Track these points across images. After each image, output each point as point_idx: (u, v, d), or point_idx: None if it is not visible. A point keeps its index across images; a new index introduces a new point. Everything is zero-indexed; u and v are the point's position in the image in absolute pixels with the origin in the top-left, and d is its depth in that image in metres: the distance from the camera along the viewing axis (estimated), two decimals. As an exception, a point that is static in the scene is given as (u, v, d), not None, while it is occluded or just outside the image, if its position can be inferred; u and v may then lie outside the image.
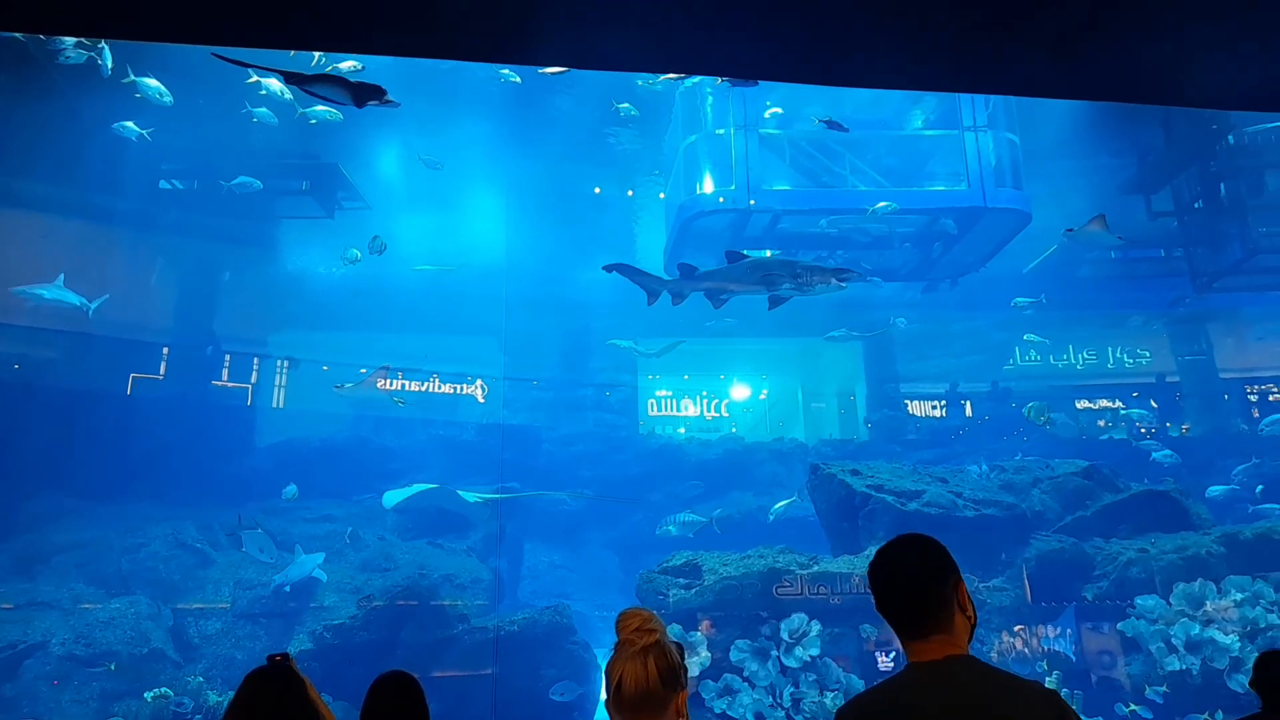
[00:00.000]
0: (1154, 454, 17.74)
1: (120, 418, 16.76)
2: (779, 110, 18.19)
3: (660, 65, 4.83)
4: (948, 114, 18.09)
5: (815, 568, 11.85)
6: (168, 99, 14.01)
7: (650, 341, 21.19)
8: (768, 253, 17.64)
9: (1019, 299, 18.25)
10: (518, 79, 15.91)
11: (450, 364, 22.19)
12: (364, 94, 5.61)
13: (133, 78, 13.59)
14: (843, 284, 10.73)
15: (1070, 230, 14.01)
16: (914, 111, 18.83)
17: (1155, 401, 23.63)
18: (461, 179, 18.66)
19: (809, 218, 17.83)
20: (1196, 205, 18.20)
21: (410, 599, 12.45)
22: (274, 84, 14.71)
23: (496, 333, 21.55)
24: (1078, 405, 23.84)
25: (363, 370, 21.52)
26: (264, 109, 15.05)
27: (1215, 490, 17.38)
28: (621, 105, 16.75)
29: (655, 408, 25.91)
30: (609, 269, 11.42)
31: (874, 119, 18.52)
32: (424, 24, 4.09)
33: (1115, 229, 14.05)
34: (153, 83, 13.89)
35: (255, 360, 20.71)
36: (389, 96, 5.69)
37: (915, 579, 2.47)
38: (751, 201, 17.16)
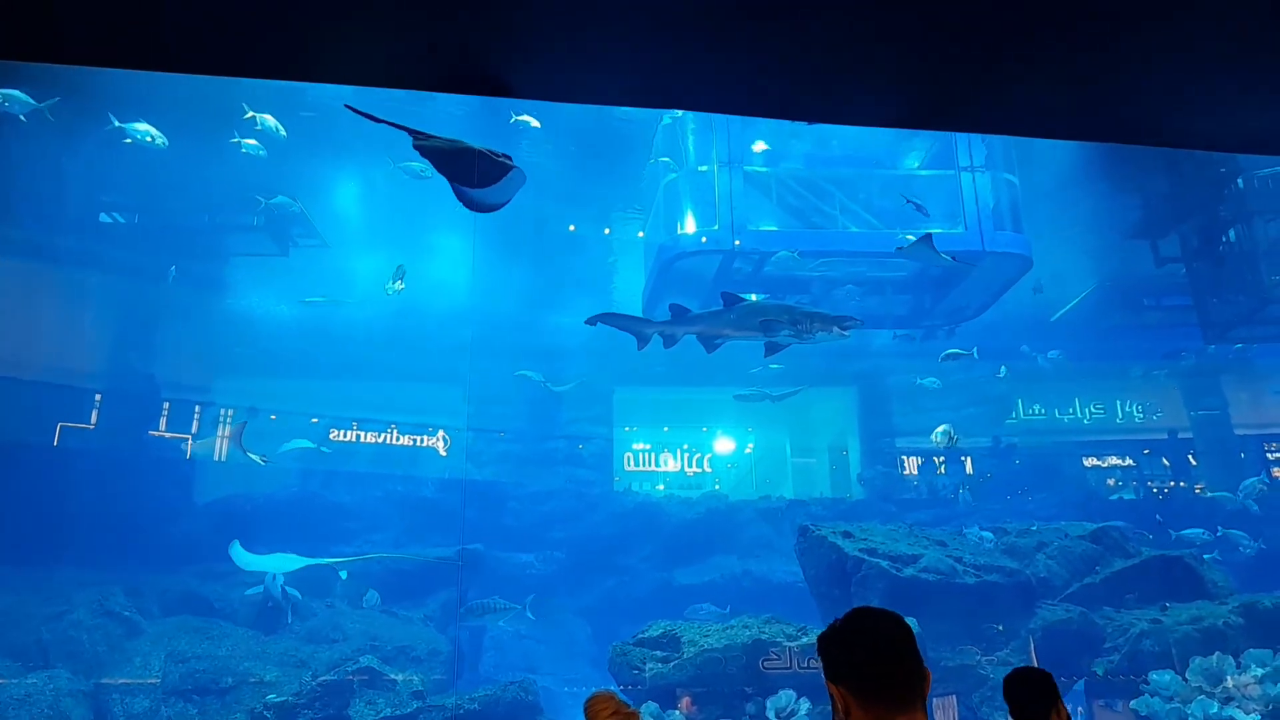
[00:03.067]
0: (1185, 532, 17.83)
1: (44, 471, 16.50)
2: (765, 146, 18.52)
3: (638, 98, 4.90)
4: (944, 153, 18.51)
5: (804, 639, 11.71)
6: (160, 142, 14.21)
7: (562, 378, 21.38)
8: (752, 296, 17.88)
9: (951, 350, 18.70)
10: (536, 123, 16.18)
11: (410, 414, 22.20)
12: (491, 169, 5.68)
13: (117, 123, 13.82)
14: (845, 333, 10.82)
15: (900, 249, 14.58)
16: (908, 151, 19.24)
17: (1168, 459, 23.78)
18: (424, 215, 18.79)
19: (797, 260, 17.89)
20: (1203, 251, 18.48)
21: (361, 673, 12.22)
22: (269, 119, 14.95)
23: (460, 380, 21.54)
24: (1085, 462, 24.03)
25: (315, 420, 21.44)
26: (253, 141, 15.26)
27: (1190, 533, 17.65)
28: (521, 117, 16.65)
29: (632, 462, 25.91)
30: (592, 322, 11.52)
31: (866, 157, 18.98)
32: (385, 57, 4.23)
33: (1120, 275, 14.33)
34: (143, 127, 14.16)
35: (197, 408, 20.76)
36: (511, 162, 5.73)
37: (906, 646, 2.52)
38: (736, 242, 17.29)
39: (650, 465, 26.13)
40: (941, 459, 23.20)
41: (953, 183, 18.13)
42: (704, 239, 17.72)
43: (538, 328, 21.77)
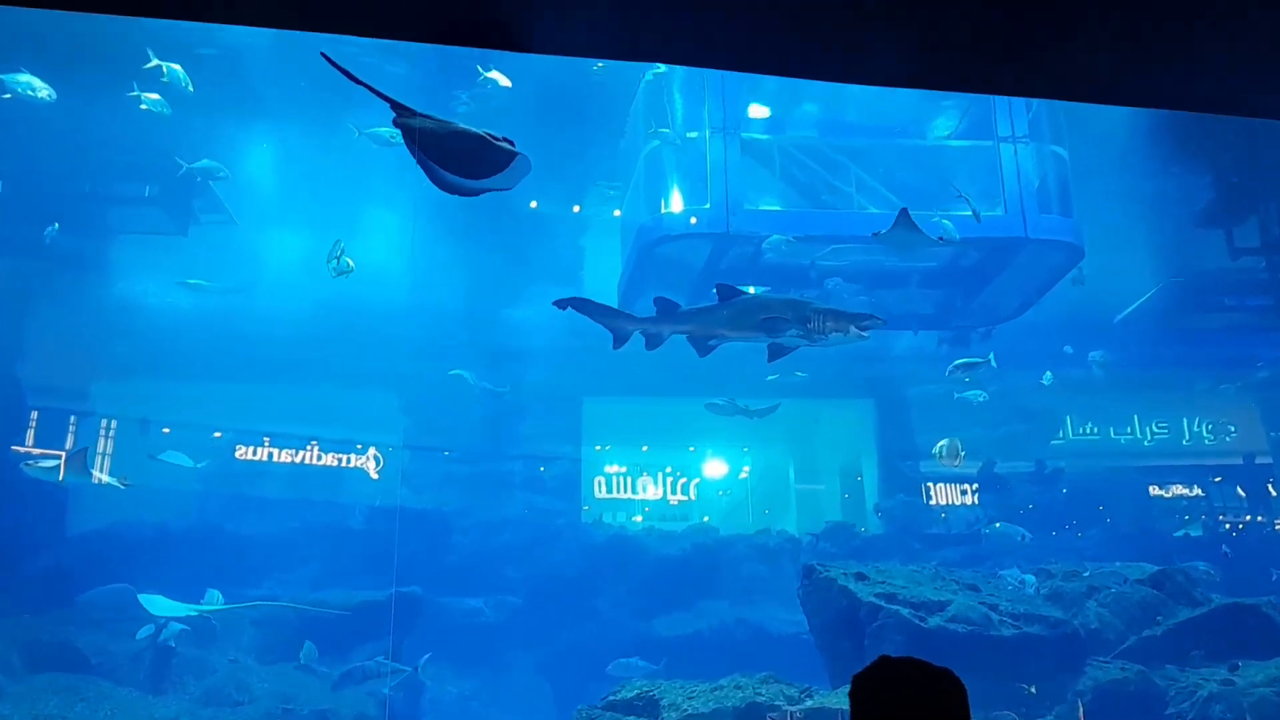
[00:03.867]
0: None
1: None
2: (766, 111, 18.70)
3: (610, 48, 4.90)
4: (979, 121, 18.62)
5: (808, 702, 11.60)
6: (47, 95, 14.24)
7: (502, 380, 21.44)
8: (750, 289, 17.79)
9: (961, 360, 18.66)
10: (507, 81, 16.33)
11: (334, 427, 22.03)
12: (491, 156, 5.76)
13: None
14: (865, 334, 10.80)
15: (877, 234, 14.65)
16: (937, 116, 19.52)
17: (1243, 489, 23.83)
18: (353, 187, 19.07)
19: (803, 246, 18.04)
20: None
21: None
22: (178, 68, 15.01)
23: (396, 387, 21.55)
24: (1146, 491, 24.04)
25: (218, 434, 21.33)
26: (155, 95, 15.22)
27: None
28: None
29: (604, 488, 25.79)
30: (562, 304, 11.36)
31: (886, 125, 19.24)
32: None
33: (1186, 267, 14.43)
34: (26, 79, 14.22)
35: (72, 419, 20.54)
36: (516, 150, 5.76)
37: (962, 711, 2.51)
38: (731, 224, 17.38)
39: (626, 492, 25.98)
40: (974, 486, 23.27)
41: (990, 156, 18.26)
42: (693, 220, 17.86)
43: (491, 324, 21.80)
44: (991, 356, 18.39)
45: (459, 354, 21.19)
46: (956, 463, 17.53)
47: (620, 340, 11.33)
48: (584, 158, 20.09)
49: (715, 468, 27.20)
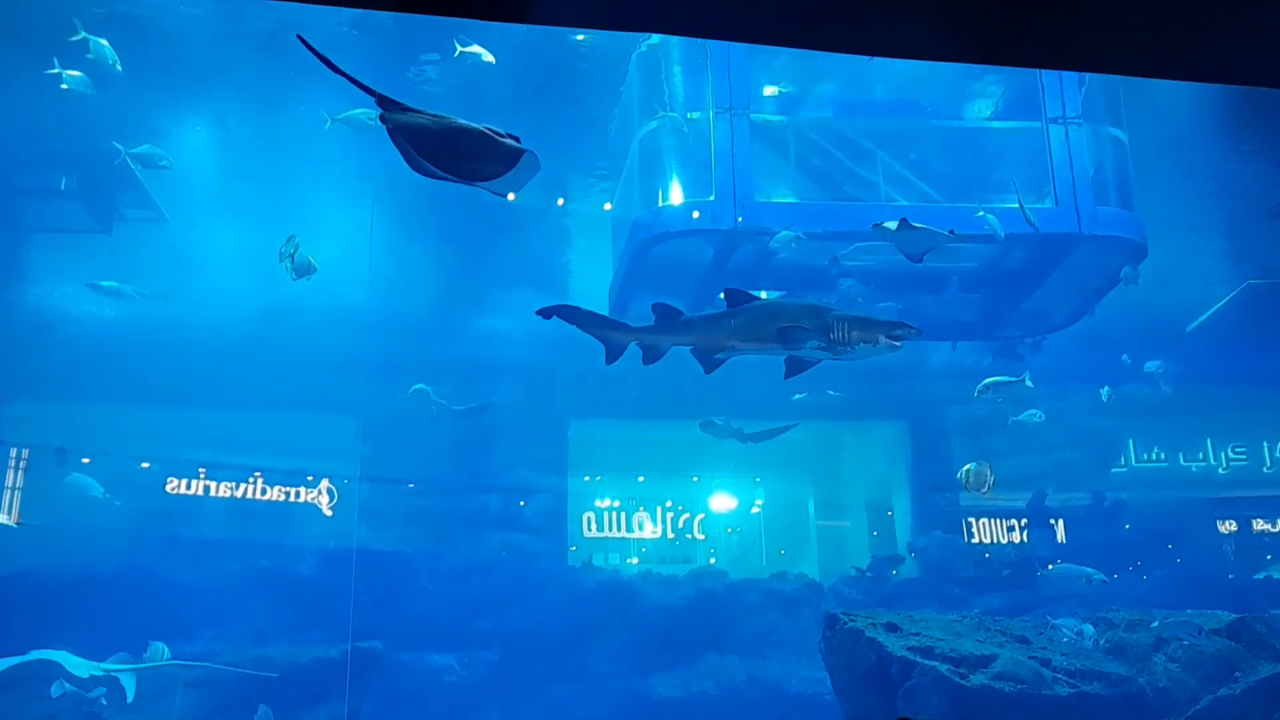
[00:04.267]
0: None
1: None
2: (779, 89, 18.55)
3: (633, 20, 4.87)
4: (1025, 99, 18.54)
5: (830, 773, 11.71)
6: None
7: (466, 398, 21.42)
8: (762, 294, 17.64)
9: (990, 379, 18.49)
10: (490, 57, 16.35)
11: (281, 456, 21.94)
12: (497, 157, 5.84)
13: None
14: (897, 344, 10.71)
15: (878, 225, 14.61)
16: (977, 96, 19.37)
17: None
18: (303, 180, 18.87)
19: (820, 244, 17.99)
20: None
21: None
22: (104, 43, 14.98)
23: (353, 410, 21.49)
24: (1221, 527, 24.11)
25: (146, 465, 21.25)
26: (77, 73, 15.16)
27: None
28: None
29: (593, 525, 25.48)
30: (547, 313, 11.20)
31: (917, 104, 19.10)
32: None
33: (1268, 268, 14.36)
34: None
35: (-25, 447, 20.68)
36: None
37: None
38: (740, 219, 17.34)
39: (619, 529, 25.61)
40: (1023, 521, 23.26)
41: (1037, 139, 18.22)
42: (695, 214, 17.73)
43: (463, 335, 21.74)
44: (1027, 376, 18.33)
45: (425, 370, 21.20)
46: (985, 491, 17.34)
47: (614, 354, 11.14)
48: (569, 143, 19.65)
49: (723, 501, 26.93)
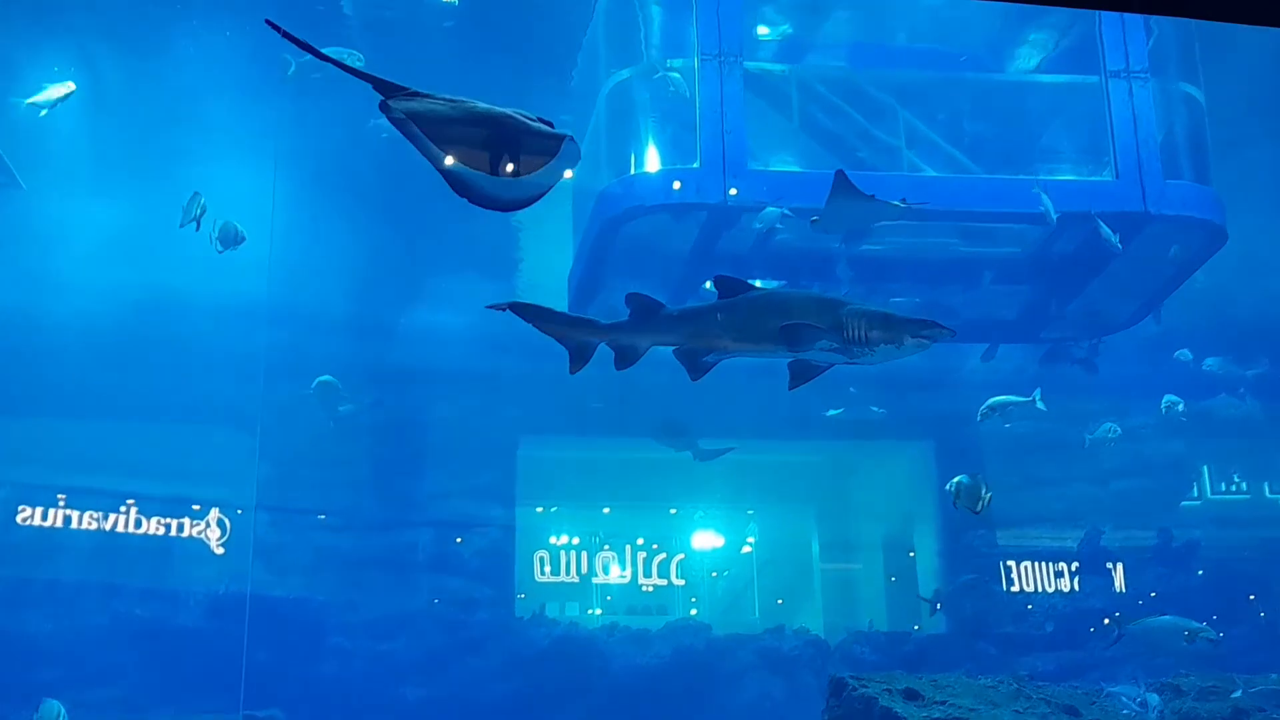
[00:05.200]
0: None
1: None
2: (773, 32, 19.17)
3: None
4: (1080, 49, 18.75)
5: None
6: None
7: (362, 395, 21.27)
8: (757, 283, 17.57)
9: (995, 399, 18.58)
10: None
11: (159, 480, 21.42)
12: (532, 147, 5.90)
13: None
14: (926, 343, 10.48)
15: (815, 220, 14.93)
16: (1021, 43, 19.85)
17: None
18: (188, 140, 19.30)
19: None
20: None
21: None
22: None
23: (249, 424, 21.10)
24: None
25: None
26: None
27: None
28: None
29: (547, 567, 24.87)
30: (499, 307, 10.91)
31: (950, 53, 19.53)
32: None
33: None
34: None
35: None
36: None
37: None
38: (732, 191, 17.19)
39: (579, 573, 25.09)
40: (1074, 566, 22.81)
41: (1095, 97, 18.32)
42: (676, 184, 17.65)
43: (387, 333, 21.72)
44: (1037, 396, 18.37)
45: (340, 377, 21.06)
46: (979, 509, 16.29)
47: (579, 358, 10.61)
48: (521, 97, 19.52)
49: (707, 539, 26.17)
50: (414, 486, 22.59)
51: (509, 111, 5.96)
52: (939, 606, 22.85)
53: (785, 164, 18.34)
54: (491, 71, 19.26)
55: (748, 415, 20.50)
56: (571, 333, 10.21)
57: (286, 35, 6.03)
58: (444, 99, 6.00)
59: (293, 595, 20.90)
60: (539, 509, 24.81)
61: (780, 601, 25.92)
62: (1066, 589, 23.17)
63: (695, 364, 10.40)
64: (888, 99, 18.49)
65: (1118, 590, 23.00)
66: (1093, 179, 18.09)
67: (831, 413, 20.31)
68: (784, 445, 23.30)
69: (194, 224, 16.61)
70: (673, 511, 26.03)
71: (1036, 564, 23.27)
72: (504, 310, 9.77)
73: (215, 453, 21.48)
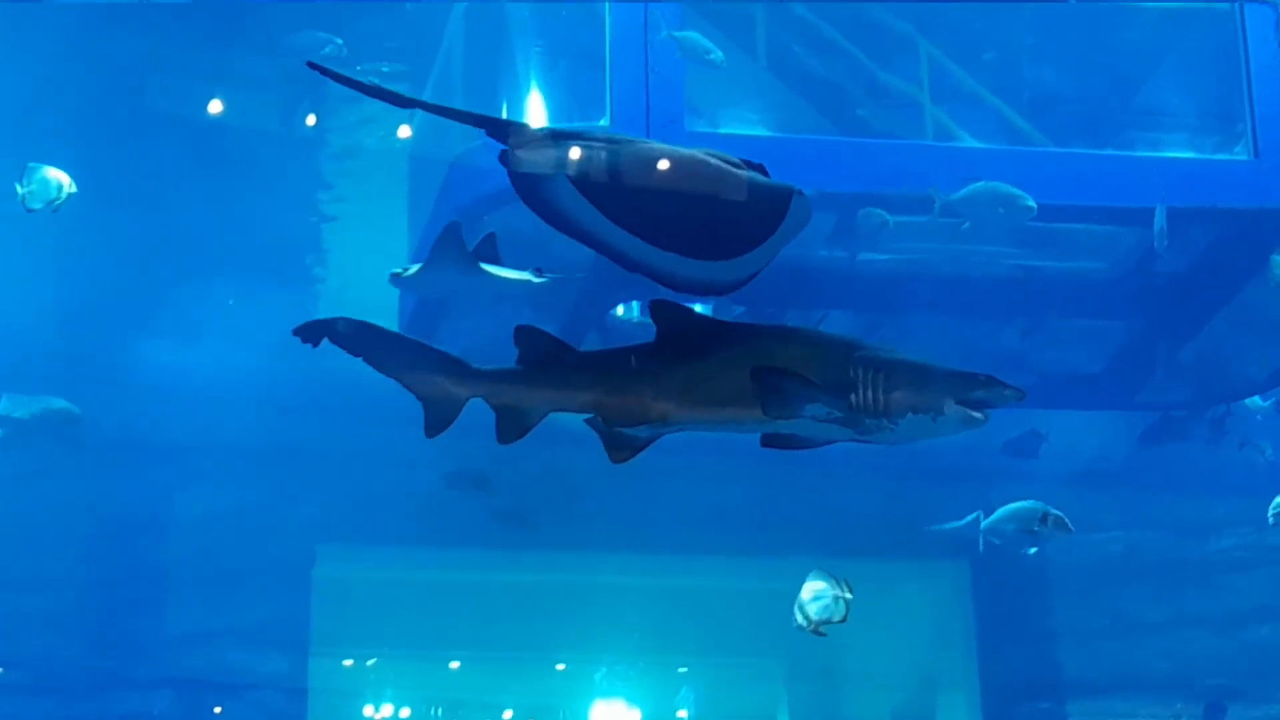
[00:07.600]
0: None
1: None
2: None
3: None
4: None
5: None
6: None
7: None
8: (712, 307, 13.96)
9: (1014, 505, 15.87)
10: None
11: None
12: (749, 205, 5.34)
13: None
14: (979, 417, 7.57)
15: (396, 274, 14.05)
16: None
17: None
18: None
19: (819, 213, 14.53)
20: None
21: None
22: None
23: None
24: None
25: None
26: None
27: None
28: None
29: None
30: (310, 334, 7.63)
31: None
32: None
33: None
34: None
35: None
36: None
37: None
38: (662, 163, 13.56)
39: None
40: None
41: (1224, 34, 15.27)
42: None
43: (117, 371, 18.09)
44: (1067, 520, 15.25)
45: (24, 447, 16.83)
46: (840, 619, 13.15)
47: (440, 418, 7.60)
48: (329, 18, 16.48)
49: (614, 710, 21.26)
50: (146, 626, 18.47)
51: (699, 154, 5.29)
52: None
53: (745, 124, 15.76)
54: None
55: (683, 512, 17.32)
56: (428, 378, 7.61)
57: (338, 78, 6.08)
58: (599, 139, 5.43)
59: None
60: (346, 661, 20.51)
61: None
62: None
63: (619, 439, 7.55)
64: (905, 26, 15.74)
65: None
66: (1218, 157, 15.28)
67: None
68: (738, 563, 19.27)
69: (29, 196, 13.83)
70: (560, 667, 21.65)
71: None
72: (317, 341, 7.19)
73: None
